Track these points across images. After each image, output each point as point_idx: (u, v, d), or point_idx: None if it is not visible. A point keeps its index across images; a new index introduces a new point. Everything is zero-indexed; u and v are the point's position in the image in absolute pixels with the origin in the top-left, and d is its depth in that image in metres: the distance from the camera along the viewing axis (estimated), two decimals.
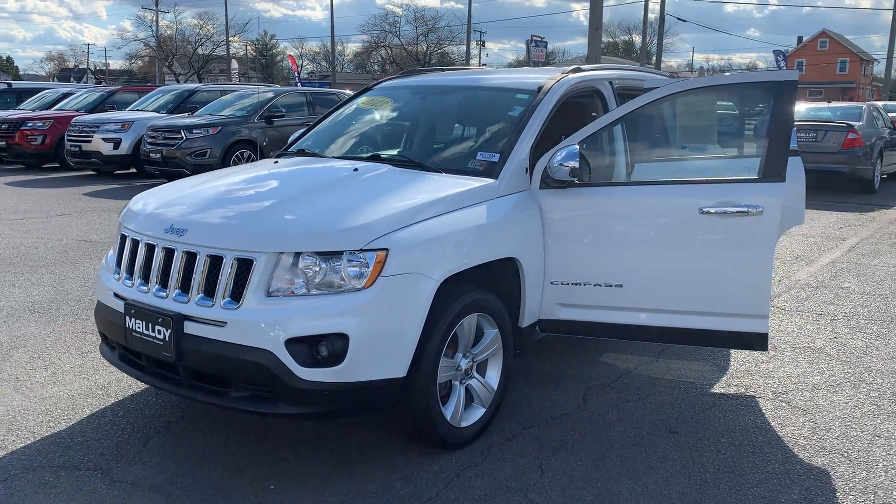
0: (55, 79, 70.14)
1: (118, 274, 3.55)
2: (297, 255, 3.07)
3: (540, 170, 3.81)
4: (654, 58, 36.81)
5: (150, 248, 3.37)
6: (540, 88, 4.19)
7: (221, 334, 3.06)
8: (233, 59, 46.04)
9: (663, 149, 4.52)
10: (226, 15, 48.26)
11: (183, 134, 12.85)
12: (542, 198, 3.82)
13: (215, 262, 3.14)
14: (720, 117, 4.70)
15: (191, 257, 3.21)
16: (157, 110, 15.58)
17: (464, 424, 3.52)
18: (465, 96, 4.67)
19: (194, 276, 3.17)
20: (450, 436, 3.43)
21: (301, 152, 4.53)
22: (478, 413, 3.61)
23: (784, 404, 4.11)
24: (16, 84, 24.42)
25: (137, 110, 15.84)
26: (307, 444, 3.55)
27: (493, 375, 3.68)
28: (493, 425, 3.73)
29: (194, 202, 3.53)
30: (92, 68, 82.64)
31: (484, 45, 63.95)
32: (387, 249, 3.08)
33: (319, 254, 3.07)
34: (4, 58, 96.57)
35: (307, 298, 3.05)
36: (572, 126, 4.04)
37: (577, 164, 3.66)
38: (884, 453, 3.56)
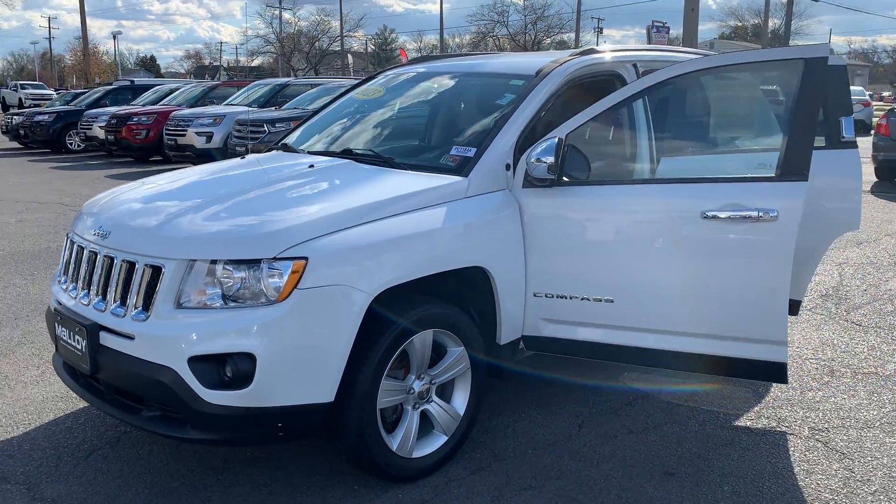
0: (192, 76, 73.99)
1: (60, 277, 3.39)
2: (214, 262, 2.77)
3: (523, 167, 3.34)
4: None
5: (81, 251, 3.18)
6: (538, 73, 3.70)
7: (130, 348, 2.81)
8: (348, 54, 46.92)
9: (689, 140, 3.91)
10: (340, 10, 49.25)
11: (266, 128, 12.96)
12: (523, 198, 3.34)
13: (131, 269, 2.89)
14: (758, 102, 4.02)
15: (111, 262, 2.98)
16: (250, 105, 15.87)
17: (416, 455, 3.12)
18: (459, 84, 4.21)
19: (111, 282, 2.94)
20: (395, 467, 3.03)
21: (284, 146, 4.24)
22: (438, 442, 3.20)
23: (819, 444, 3.44)
24: (138, 81, 25.83)
25: (232, 105, 16.21)
26: (248, 467, 3.25)
27: (460, 400, 3.26)
28: (461, 455, 3.31)
29: (132, 203, 3.30)
30: (224, 65, 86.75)
31: (602, 32, 61.94)
32: (306, 258, 2.72)
33: (234, 262, 2.75)
34: (148, 57, 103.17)
35: (218, 312, 2.73)
36: None
37: (553, 160, 3.17)
38: None
